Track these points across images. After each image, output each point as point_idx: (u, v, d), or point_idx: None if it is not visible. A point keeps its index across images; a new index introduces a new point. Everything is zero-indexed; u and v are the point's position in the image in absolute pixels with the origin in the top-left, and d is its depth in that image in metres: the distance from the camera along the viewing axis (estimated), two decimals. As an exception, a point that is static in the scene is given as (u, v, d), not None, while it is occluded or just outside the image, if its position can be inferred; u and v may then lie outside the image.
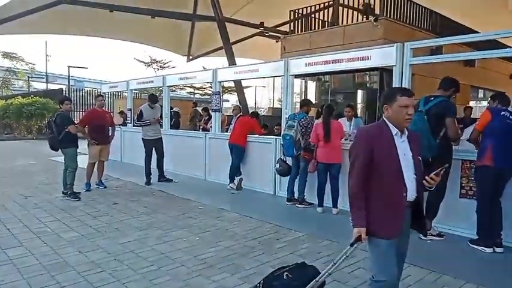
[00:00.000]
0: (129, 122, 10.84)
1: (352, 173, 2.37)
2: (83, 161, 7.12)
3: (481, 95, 17.05)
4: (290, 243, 4.38)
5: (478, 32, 8.99)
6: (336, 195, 5.64)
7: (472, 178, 4.55)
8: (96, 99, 7.65)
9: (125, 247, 4.16)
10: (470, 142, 4.62)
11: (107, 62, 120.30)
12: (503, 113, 4.23)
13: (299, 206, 6.03)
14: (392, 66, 5.34)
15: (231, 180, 7.29)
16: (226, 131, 8.58)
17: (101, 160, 7.26)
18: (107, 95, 16.77)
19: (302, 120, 5.99)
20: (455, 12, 13.43)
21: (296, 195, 6.13)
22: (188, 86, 28.39)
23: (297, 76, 7.56)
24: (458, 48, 6.40)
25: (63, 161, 6.63)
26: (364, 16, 11.52)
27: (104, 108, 7.74)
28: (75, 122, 7.17)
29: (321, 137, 5.58)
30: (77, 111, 20.32)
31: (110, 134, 7.47)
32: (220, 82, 8.28)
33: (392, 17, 10.68)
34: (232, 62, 13.95)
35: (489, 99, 4.90)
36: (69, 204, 6.04)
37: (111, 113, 10.13)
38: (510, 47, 7.22)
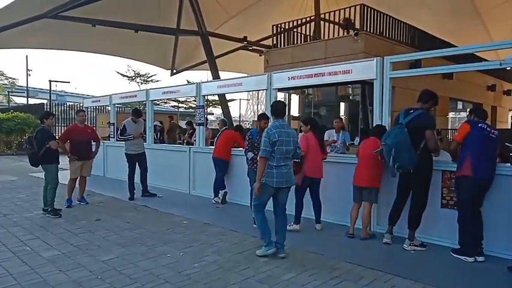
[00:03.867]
0: (112, 136, 10.72)
1: None
2: (64, 177, 6.99)
3: (459, 106, 17.49)
4: (275, 257, 4.35)
5: (455, 46, 9.28)
6: (320, 210, 5.55)
7: (453, 188, 4.64)
8: (77, 114, 7.54)
9: (108, 265, 4.08)
10: (449, 152, 4.74)
11: (89, 76, 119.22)
12: (480, 125, 4.35)
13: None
14: (373, 79, 5.45)
15: (216, 194, 7.25)
16: (212, 145, 8.57)
17: (83, 176, 7.14)
18: (89, 110, 16.57)
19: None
20: (433, 26, 13.85)
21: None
22: (172, 100, 28.29)
23: (280, 89, 7.63)
24: (436, 61, 6.57)
25: (43, 177, 6.50)
26: (345, 31, 11.77)
27: (85, 123, 7.63)
28: (56, 137, 7.05)
29: (317, 149, 5.41)
30: (58, 126, 19.99)
31: (94, 150, 7.37)
32: (203, 96, 8.30)
33: (372, 31, 10.94)
34: (216, 76, 14.02)
35: (467, 113, 5.06)
36: (49, 221, 5.91)
37: (94, 128, 10.01)
38: (486, 60, 7.47)
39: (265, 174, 4.24)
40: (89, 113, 16.66)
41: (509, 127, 16.89)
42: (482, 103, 15.21)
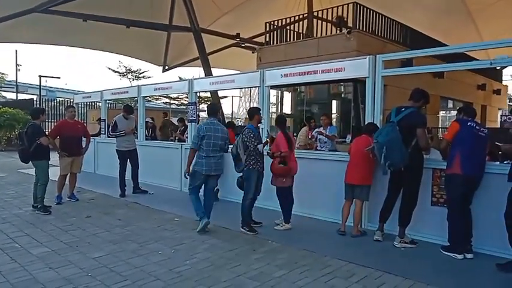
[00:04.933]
0: (103, 132, 10.63)
1: None
2: (54, 173, 6.91)
3: (450, 105, 17.65)
4: (267, 254, 4.37)
5: (446, 45, 9.36)
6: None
7: (443, 186, 4.69)
8: (66, 110, 7.48)
9: (98, 262, 4.05)
10: (439, 151, 4.78)
11: (80, 71, 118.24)
12: (469, 123, 4.40)
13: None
14: (365, 77, 5.47)
15: (208, 191, 7.23)
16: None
17: (73, 172, 7.07)
18: (80, 106, 16.41)
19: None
20: (425, 25, 13.95)
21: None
22: (164, 96, 28.12)
23: (272, 87, 7.63)
24: (427, 60, 6.62)
25: (33, 174, 6.42)
26: (338, 29, 11.81)
27: (75, 119, 7.55)
28: (47, 133, 6.97)
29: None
30: (48, 121, 19.78)
31: (84, 146, 7.30)
32: (196, 92, 8.26)
33: (364, 29, 10.98)
34: (208, 72, 13.96)
35: (456, 112, 5.11)
36: (39, 218, 5.85)
37: (85, 124, 9.91)
38: (477, 59, 7.55)
39: (196, 163, 5.10)
40: (80, 109, 16.51)
41: (499, 126, 17.09)
42: (473, 102, 15.38)
